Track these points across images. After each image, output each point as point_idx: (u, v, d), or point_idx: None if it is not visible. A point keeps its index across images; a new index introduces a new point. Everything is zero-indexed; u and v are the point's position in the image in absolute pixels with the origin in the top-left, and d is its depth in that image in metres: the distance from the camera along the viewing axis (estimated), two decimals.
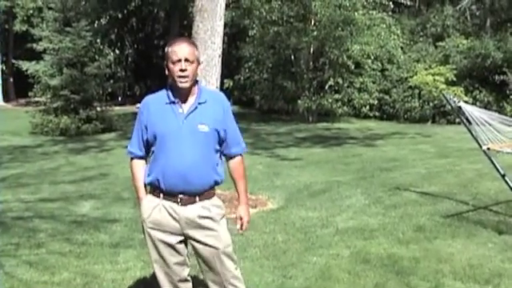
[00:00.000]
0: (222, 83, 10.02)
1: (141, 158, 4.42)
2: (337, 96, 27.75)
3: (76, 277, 6.28)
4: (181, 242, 4.31)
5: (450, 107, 9.19)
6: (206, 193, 4.28)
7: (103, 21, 37.61)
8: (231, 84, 28.74)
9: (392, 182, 11.45)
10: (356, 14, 26.12)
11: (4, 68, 44.57)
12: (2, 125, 25.53)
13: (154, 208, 4.27)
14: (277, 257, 6.87)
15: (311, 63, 28.00)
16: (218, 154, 4.37)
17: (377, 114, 28.34)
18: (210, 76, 9.55)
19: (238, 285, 4.42)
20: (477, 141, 8.16)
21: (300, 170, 13.30)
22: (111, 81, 29.27)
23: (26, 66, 24.68)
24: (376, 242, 7.44)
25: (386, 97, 27.94)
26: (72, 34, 23.67)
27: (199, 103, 4.23)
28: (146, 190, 4.39)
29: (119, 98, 38.99)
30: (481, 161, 10.62)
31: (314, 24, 26.74)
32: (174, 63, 4.14)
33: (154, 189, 4.29)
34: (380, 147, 17.37)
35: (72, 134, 22.14)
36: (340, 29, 26.18)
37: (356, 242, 7.46)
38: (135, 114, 4.63)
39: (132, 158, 4.47)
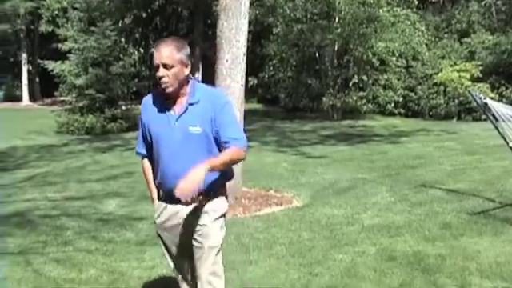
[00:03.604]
0: (246, 81, 10.03)
1: (150, 157, 4.37)
2: (361, 93, 27.75)
3: (103, 274, 6.33)
4: (186, 240, 4.23)
5: (475, 104, 9.12)
6: (209, 192, 4.13)
7: (127, 20, 37.80)
8: (255, 82, 28.76)
9: (417, 179, 11.40)
10: (380, 10, 26.02)
11: (30, 68, 45.01)
12: (29, 124, 25.79)
13: (161, 211, 4.27)
14: (302, 254, 6.87)
15: (335, 60, 27.92)
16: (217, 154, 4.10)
17: (402, 111, 28.13)
18: (235, 74, 9.58)
19: (213, 280, 4.18)
20: (503, 137, 8.10)
21: (325, 167, 13.28)
22: (136, 79, 29.35)
23: (52, 65, 24.84)
24: (402, 239, 7.41)
25: (411, 94, 27.72)
26: (97, 34, 23.81)
27: (190, 104, 4.08)
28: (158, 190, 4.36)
29: (144, 97, 39.14)
30: (507, 158, 10.50)
31: (338, 21, 26.65)
32: (155, 69, 4.03)
33: (160, 190, 4.29)
34: (405, 144, 17.29)
35: (97, 132, 22.30)
36: (364, 26, 26.11)
37: (382, 239, 7.44)
38: None
39: (142, 158, 4.46)
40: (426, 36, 28.05)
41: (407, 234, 7.64)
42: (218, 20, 9.86)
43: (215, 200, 4.19)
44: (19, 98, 44.04)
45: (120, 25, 34.54)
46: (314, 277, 6.11)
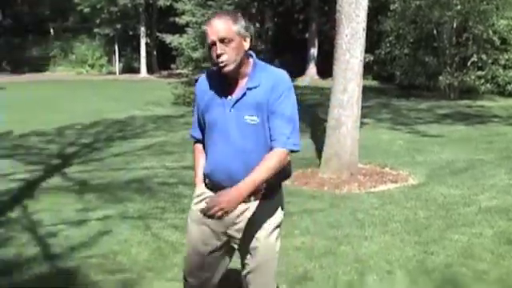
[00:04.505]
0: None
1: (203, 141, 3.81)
2: (480, 73, 26.92)
3: None
4: (221, 246, 3.75)
5: None
6: (262, 191, 3.57)
7: None
8: (371, 59, 28.44)
9: None
10: None
11: (148, 41, 46.11)
12: (146, 95, 26.49)
13: (204, 197, 3.67)
14: (418, 232, 6.82)
15: (454, 38, 27.21)
16: None
17: None
18: (354, 49, 9.53)
19: None
20: None
21: (441, 146, 13.04)
22: None
23: (170, 39, 25.32)
24: None
25: None
26: (214, 8, 23.96)
27: (249, 88, 3.49)
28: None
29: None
30: None
31: None
32: (210, 47, 3.44)
33: (206, 180, 3.72)
34: None
35: None
36: (485, 2, 25.28)
37: (500, 222, 7.28)
38: None
39: (195, 142, 3.89)
40: None
41: None
42: None
43: (269, 206, 3.64)
44: (137, 70, 45.23)
45: None
46: (430, 255, 6.07)
